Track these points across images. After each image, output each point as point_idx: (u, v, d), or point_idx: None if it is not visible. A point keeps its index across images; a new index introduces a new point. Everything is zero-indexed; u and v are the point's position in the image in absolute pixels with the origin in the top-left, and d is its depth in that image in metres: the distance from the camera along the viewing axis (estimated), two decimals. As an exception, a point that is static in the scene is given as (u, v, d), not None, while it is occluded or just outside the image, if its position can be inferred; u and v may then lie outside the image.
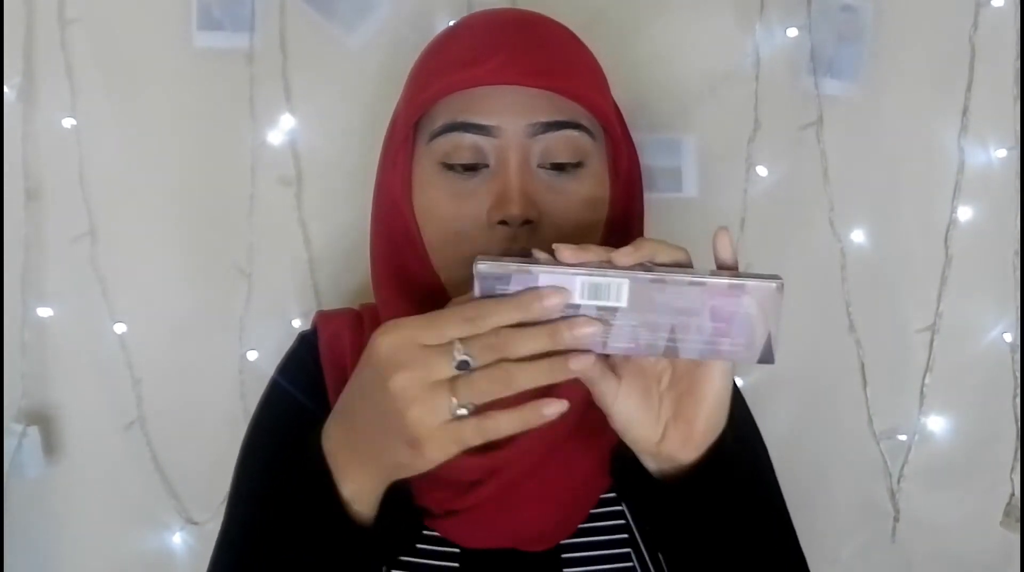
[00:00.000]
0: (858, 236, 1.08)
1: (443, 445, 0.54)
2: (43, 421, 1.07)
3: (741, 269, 0.61)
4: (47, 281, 1.05)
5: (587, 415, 0.69)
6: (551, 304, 0.55)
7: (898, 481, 1.12)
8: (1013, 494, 1.11)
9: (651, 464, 0.63)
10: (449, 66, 0.70)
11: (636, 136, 1.04)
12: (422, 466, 0.56)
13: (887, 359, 1.10)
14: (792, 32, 1.04)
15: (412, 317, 0.56)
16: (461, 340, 0.54)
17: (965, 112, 1.05)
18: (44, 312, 1.05)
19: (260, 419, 0.79)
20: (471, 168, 0.69)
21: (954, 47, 1.04)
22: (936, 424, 1.11)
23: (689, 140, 1.06)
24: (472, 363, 0.54)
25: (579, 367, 0.55)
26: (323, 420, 0.68)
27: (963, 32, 1.03)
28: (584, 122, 0.70)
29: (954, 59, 1.04)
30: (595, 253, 0.56)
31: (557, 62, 0.70)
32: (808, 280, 1.09)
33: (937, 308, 1.09)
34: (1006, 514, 1.11)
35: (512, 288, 0.55)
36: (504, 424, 0.55)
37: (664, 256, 0.58)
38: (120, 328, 1.05)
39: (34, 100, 1.02)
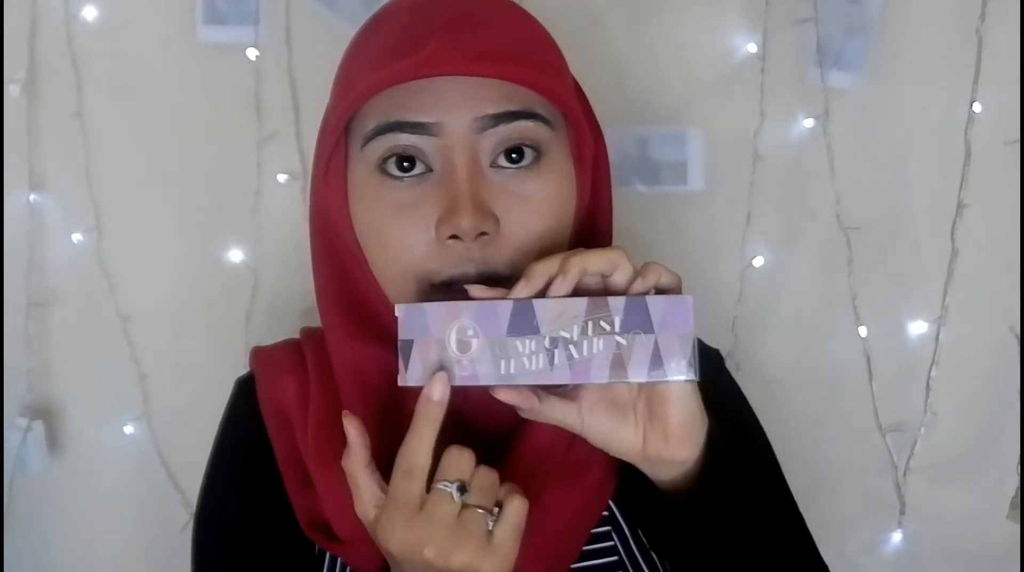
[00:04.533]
0: (864, 229, 1.07)
1: (507, 548, 0.57)
2: (48, 416, 1.07)
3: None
4: (52, 276, 1.05)
5: (567, 457, 0.67)
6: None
7: (904, 474, 1.12)
8: (1019, 487, 1.11)
9: (649, 473, 0.62)
10: (377, 59, 0.61)
11: (642, 129, 1.04)
12: None
13: (893, 352, 1.10)
14: (799, 24, 1.03)
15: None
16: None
17: (972, 104, 1.04)
18: (49, 307, 1.05)
19: (207, 501, 0.74)
20: (413, 175, 0.61)
21: (961, 39, 1.03)
22: (942, 417, 1.11)
23: (695, 133, 1.05)
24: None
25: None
26: (271, 494, 0.68)
27: (970, 24, 1.03)
28: (539, 110, 0.61)
29: (961, 51, 1.03)
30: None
31: (503, 43, 0.61)
32: (814, 273, 1.08)
33: (943, 301, 1.08)
34: (1012, 507, 1.11)
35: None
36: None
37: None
38: (125, 323, 1.05)
39: (39, 95, 1.02)
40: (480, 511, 0.56)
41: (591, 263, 0.56)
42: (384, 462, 0.60)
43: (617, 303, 0.56)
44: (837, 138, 1.05)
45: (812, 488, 1.02)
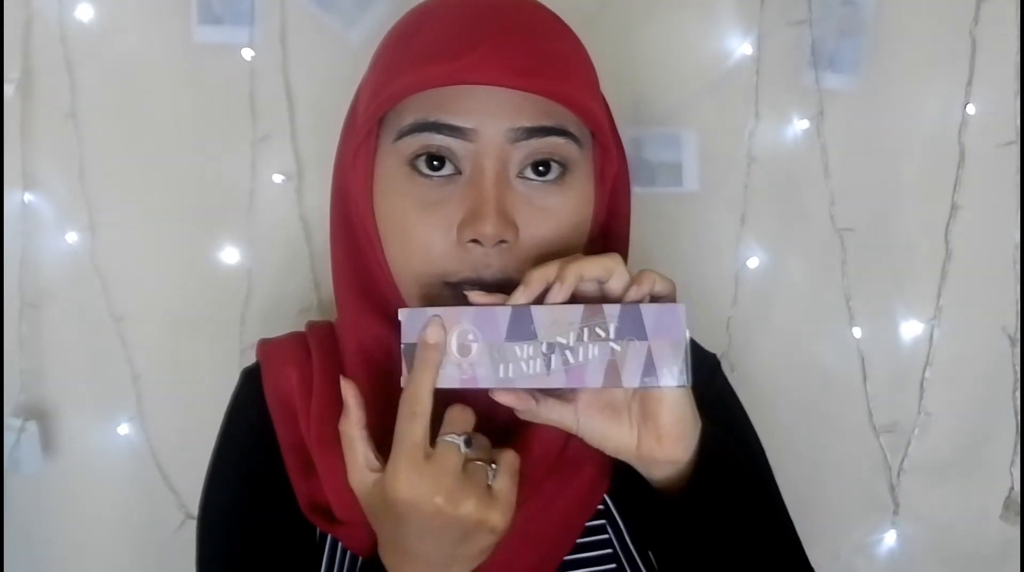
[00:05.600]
0: (858, 230, 1.07)
1: (507, 498, 0.59)
2: (41, 416, 1.07)
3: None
4: (46, 276, 1.05)
5: (563, 454, 0.68)
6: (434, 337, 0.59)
7: (898, 475, 1.12)
8: (1012, 488, 1.11)
9: (643, 472, 0.63)
10: (423, 56, 0.62)
11: (636, 131, 1.04)
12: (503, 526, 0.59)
13: (887, 353, 1.10)
14: (793, 26, 1.03)
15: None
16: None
17: (966, 106, 1.05)
18: (43, 307, 1.05)
19: (212, 488, 0.75)
20: (442, 174, 0.63)
21: (955, 41, 1.03)
22: (936, 418, 1.11)
23: (689, 134, 1.05)
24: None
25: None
26: (274, 480, 0.69)
27: (964, 26, 1.03)
28: (572, 127, 0.63)
29: (955, 53, 1.04)
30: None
31: (546, 58, 0.62)
32: (808, 274, 1.09)
33: (937, 302, 1.09)
34: (1005, 508, 1.11)
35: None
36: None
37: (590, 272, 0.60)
38: (119, 323, 1.05)
39: (33, 95, 1.01)
40: (480, 463, 0.58)
41: (588, 270, 0.58)
42: (382, 438, 0.61)
43: (612, 310, 0.57)
44: (831, 139, 1.05)
45: (806, 488, 1.02)
